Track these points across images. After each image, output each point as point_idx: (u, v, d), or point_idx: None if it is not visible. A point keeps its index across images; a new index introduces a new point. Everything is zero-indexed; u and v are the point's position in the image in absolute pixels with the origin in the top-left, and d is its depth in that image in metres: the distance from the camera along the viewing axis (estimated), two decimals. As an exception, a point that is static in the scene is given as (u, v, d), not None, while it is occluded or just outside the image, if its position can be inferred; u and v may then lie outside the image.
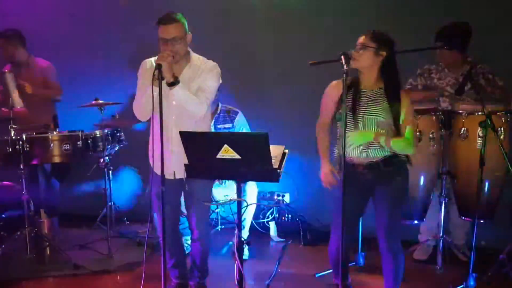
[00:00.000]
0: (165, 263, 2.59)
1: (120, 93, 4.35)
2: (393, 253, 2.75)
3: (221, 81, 2.90)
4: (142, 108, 2.78)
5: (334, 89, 2.75)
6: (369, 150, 2.66)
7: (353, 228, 2.91)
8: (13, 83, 3.97)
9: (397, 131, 2.63)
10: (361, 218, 3.17)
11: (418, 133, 3.27)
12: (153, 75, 2.49)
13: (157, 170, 2.63)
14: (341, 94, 2.67)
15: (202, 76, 2.83)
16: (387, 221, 2.71)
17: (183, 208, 3.23)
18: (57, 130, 3.82)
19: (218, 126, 3.96)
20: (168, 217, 2.90)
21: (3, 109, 3.90)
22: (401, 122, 2.62)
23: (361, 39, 2.61)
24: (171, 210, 2.96)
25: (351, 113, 2.64)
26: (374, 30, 2.63)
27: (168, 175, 2.81)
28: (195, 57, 2.88)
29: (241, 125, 4.02)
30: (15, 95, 3.95)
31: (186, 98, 2.72)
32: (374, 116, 2.62)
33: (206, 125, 3.00)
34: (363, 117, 2.63)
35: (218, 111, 3.98)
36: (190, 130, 2.63)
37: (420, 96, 3.54)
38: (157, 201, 2.85)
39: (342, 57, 2.37)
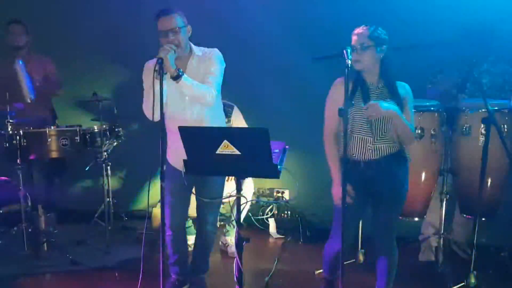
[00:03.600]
0: (164, 258, 2.56)
1: (118, 88, 4.32)
2: (389, 252, 2.74)
3: (224, 65, 2.88)
4: (151, 107, 2.61)
5: (339, 89, 2.52)
6: (376, 146, 2.59)
7: (353, 233, 2.88)
8: (23, 73, 3.89)
9: None
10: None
11: (419, 130, 3.24)
12: (154, 69, 2.44)
13: (175, 165, 2.71)
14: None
15: (207, 63, 2.82)
16: (386, 219, 2.70)
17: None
18: (56, 124, 3.79)
19: None
20: (177, 212, 2.90)
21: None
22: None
23: (360, 38, 2.53)
24: (181, 205, 2.96)
25: (362, 110, 2.55)
26: (367, 26, 2.55)
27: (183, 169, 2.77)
28: (196, 48, 2.87)
29: (237, 119, 3.97)
30: (26, 87, 3.88)
31: (194, 87, 2.70)
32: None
33: (221, 115, 3.02)
34: None
35: None
36: (206, 125, 2.71)
37: None
38: (169, 196, 2.85)
39: (345, 51, 2.32)
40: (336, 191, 2.62)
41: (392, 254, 2.75)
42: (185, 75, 2.64)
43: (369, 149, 2.60)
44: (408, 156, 2.70)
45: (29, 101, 3.89)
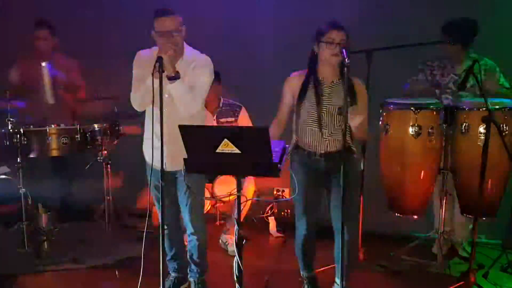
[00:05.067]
0: (164, 256, 2.57)
1: (118, 87, 4.31)
2: (348, 240, 2.77)
3: (213, 76, 2.88)
4: (140, 99, 2.77)
5: (295, 81, 2.83)
6: (330, 140, 2.75)
7: (315, 216, 2.94)
8: (48, 77, 3.98)
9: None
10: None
11: (416, 128, 3.24)
12: (154, 67, 2.45)
13: (153, 163, 2.62)
14: (301, 86, 2.77)
15: (195, 71, 2.79)
16: (342, 207, 2.70)
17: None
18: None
19: (221, 120, 3.92)
20: (168, 208, 2.90)
21: None
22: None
23: (342, 36, 2.64)
24: (170, 202, 2.96)
25: (314, 104, 2.72)
26: (341, 25, 2.67)
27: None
28: (188, 50, 2.85)
29: (243, 119, 3.99)
30: (49, 91, 3.98)
31: (183, 94, 2.70)
32: (338, 105, 2.70)
33: (200, 118, 2.96)
34: (327, 107, 2.73)
35: (221, 105, 3.94)
36: (185, 123, 2.54)
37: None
38: (155, 192, 2.87)
39: (344, 51, 2.41)
40: None
41: (351, 241, 2.82)
42: (180, 79, 2.64)
43: (322, 141, 2.76)
44: (356, 149, 2.86)
45: (50, 103, 3.97)
